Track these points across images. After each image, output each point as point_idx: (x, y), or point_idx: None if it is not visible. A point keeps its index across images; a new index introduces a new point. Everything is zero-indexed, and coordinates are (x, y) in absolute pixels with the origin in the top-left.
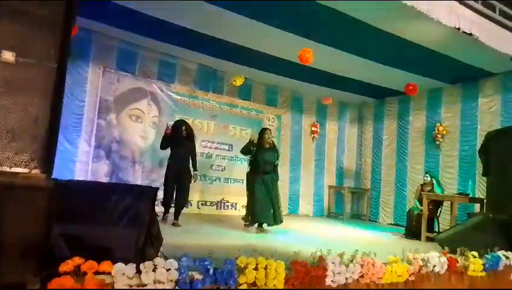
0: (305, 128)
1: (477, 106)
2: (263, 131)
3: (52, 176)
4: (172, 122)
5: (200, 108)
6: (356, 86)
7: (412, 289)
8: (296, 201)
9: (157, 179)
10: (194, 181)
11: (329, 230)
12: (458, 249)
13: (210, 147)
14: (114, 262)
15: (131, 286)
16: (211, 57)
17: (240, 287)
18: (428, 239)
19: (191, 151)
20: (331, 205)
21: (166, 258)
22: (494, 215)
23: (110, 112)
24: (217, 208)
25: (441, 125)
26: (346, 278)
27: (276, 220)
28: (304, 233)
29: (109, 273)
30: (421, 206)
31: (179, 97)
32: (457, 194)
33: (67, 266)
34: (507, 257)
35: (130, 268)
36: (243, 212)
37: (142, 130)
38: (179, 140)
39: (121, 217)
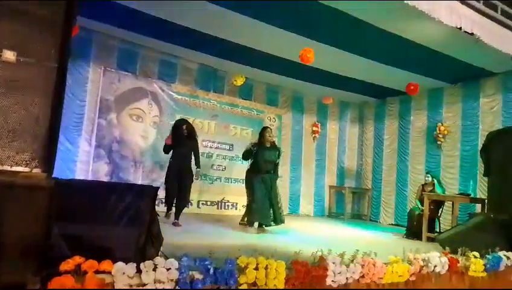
0: (306, 128)
1: (478, 105)
2: (264, 130)
3: (53, 176)
4: (174, 125)
5: (201, 108)
6: (357, 86)
7: (412, 289)
8: (297, 201)
9: (158, 179)
10: (197, 179)
11: (330, 230)
12: (459, 250)
13: (211, 147)
14: (114, 261)
15: (131, 285)
16: (211, 56)
17: (240, 287)
18: (429, 239)
19: (192, 149)
20: (331, 205)
21: (166, 257)
22: (495, 216)
23: (110, 112)
24: (217, 208)
25: (442, 125)
26: (347, 278)
27: (276, 220)
28: (305, 233)
29: (109, 273)
30: (422, 206)
31: (179, 97)
32: (459, 194)
33: (67, 265)
34: (508, 258)
35: (131, 267)
36: (244, 212)
37: (143, 130)
38: (180, 139)
39: (121, 217)
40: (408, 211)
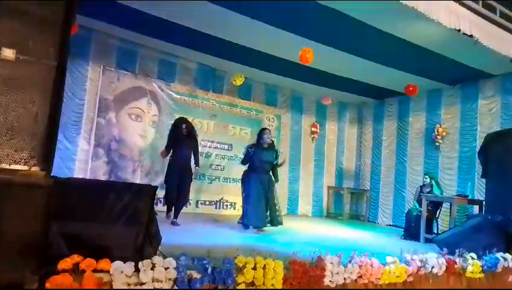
0: (304, 129)
1: (476, 107)
2: (262, 131)
3: (52, 174)
4: (173, 124)
5: (200, 107)
6: (356, 87)
7: (410, 289)
8: (295, 201)
9: (156, 178)
10: (195, 178)
11: (328, 230)
12: (457, 251)
13: (210, 147)
14: (112, 260)
15: (129, 284)
16: (211, 56)
17: (238, 287)
18: (427, 240)
19: (192, 148)
20: (330, 206)
21: (164, 256)
22: (492, 217)
23: (109, 111)
24: (216, 208)
25: (440, 126)
26: (345, 279)
27: (274, 222)
28: (303, 233)
29: (107, 272)
30: (420, 207)
31: (178, 96)
32: (457, 195)
33: (65, 263)
34: (505, 259)
35: (129, 266)
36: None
37: (142, 129)
38: (179, 138)
39: (120, 216)
40: (406, 212)
